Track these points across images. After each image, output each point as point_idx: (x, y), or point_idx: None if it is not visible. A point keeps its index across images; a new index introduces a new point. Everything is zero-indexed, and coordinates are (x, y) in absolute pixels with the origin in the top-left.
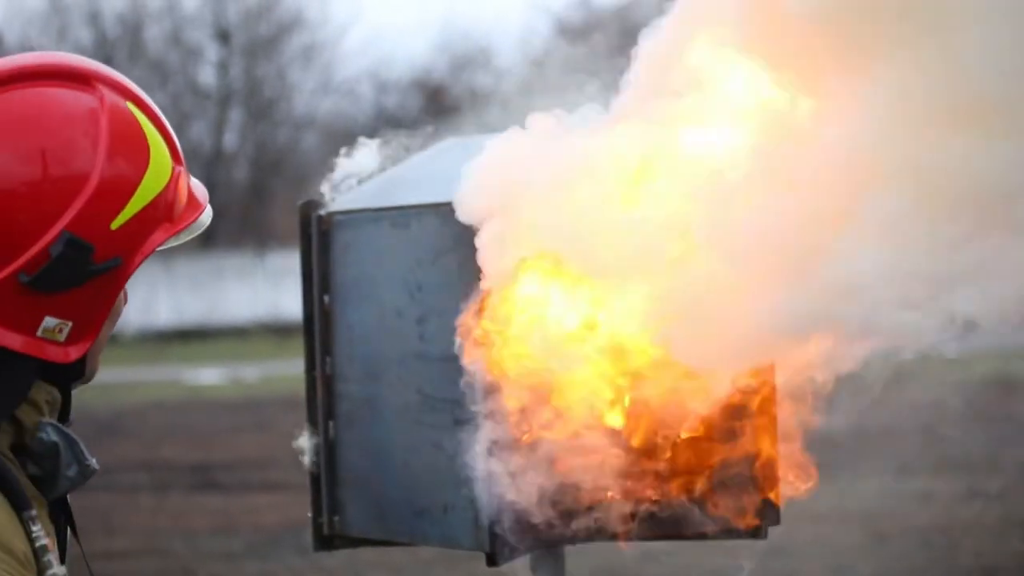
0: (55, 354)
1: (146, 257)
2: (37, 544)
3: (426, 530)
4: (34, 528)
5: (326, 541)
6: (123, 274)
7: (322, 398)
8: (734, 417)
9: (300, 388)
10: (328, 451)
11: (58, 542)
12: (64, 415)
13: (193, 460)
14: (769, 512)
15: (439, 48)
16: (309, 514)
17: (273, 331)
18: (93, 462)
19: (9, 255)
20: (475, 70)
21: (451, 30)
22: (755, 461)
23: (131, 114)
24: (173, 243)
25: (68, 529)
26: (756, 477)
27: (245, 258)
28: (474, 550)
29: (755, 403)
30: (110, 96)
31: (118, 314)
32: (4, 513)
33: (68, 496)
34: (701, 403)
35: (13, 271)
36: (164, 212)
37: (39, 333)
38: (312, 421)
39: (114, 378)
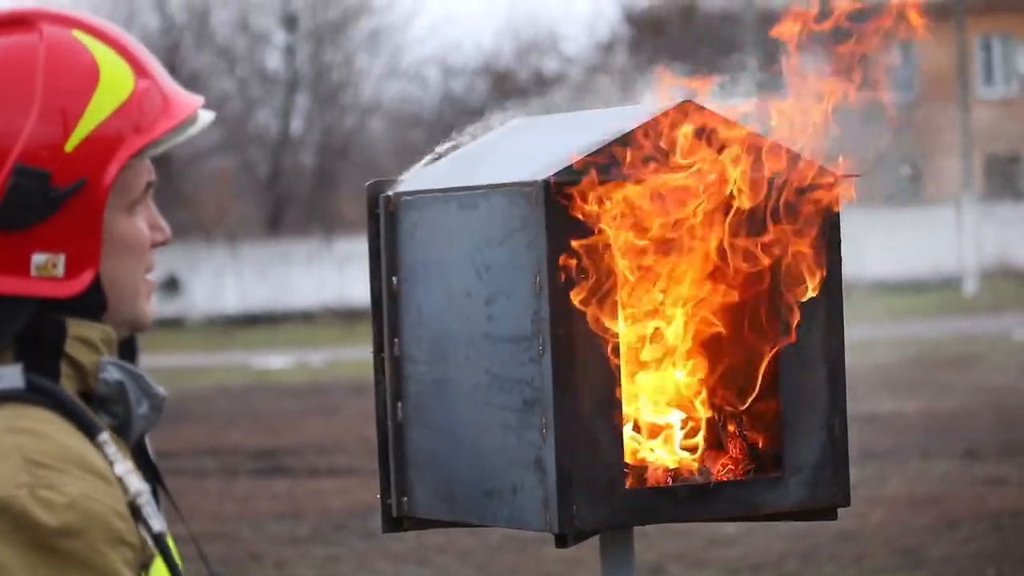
0: (51, 289)
1: (119, 170)
2: (116, 467)
3: (495, 511)
4: (108, 451)
5: (395, 522)
6: (96, 193)
7: (390, 379)
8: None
9: (366, 373)
10: (397, 432)
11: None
12: (131, 356)
13: (260, 445)
14: (840, 492)
15: (506, 33)
16: (378, 495)
17: (340, 316)
18: (160, 390)
19: None
20: (542, 55)
21: (518, 15)
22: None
23: (75, 41)
24: (152, 152)
25: (159, 484)
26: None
27: (312, 244)
28: (542, 531)
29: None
30: (51, 30)
31: (137, 244)
32: (75, 438)
33: (151, 454)
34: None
35: None
36: (128, 126)
37: (33, 272)
38: (380, 403)
39: (181, 363)
